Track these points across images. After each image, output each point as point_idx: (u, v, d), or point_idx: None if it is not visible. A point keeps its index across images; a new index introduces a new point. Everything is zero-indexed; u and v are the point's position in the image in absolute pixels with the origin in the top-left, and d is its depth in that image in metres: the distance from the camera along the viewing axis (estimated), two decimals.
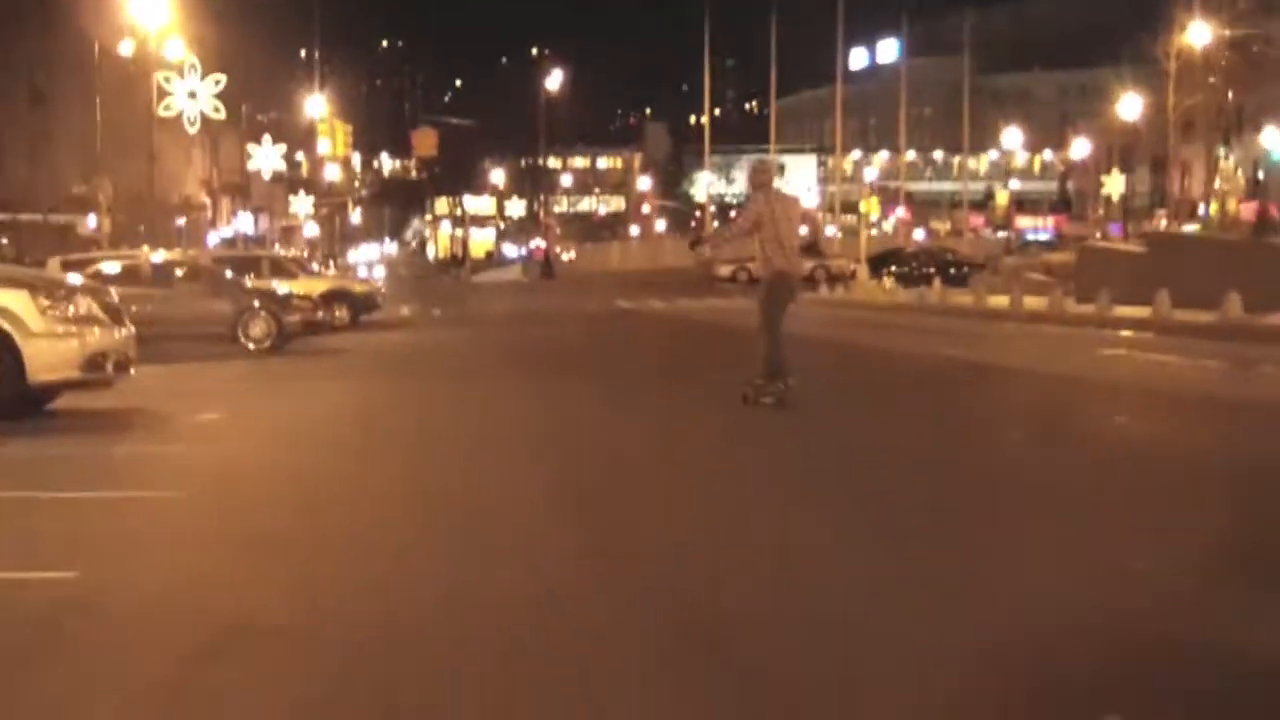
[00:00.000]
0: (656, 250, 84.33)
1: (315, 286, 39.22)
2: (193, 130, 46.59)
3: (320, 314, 30.11)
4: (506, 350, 29.46)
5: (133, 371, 16.21)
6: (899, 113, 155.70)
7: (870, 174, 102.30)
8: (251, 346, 28.41)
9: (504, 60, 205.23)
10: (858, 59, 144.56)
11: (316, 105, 68.66)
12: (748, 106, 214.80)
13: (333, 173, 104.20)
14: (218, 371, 24.27)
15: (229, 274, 31.26)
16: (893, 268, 57.18)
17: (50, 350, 14.65)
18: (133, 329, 16.26)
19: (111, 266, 29.42)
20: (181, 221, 68.39)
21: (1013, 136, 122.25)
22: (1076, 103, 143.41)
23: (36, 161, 59.71)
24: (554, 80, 79.79)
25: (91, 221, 58.24)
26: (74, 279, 18.31)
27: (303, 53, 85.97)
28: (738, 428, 14.24)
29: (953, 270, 56.02)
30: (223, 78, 46.51)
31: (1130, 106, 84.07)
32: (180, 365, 24.06)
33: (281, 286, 32.79)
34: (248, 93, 72.62)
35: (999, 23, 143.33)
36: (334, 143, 66.06)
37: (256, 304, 28.92)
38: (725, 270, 68.06)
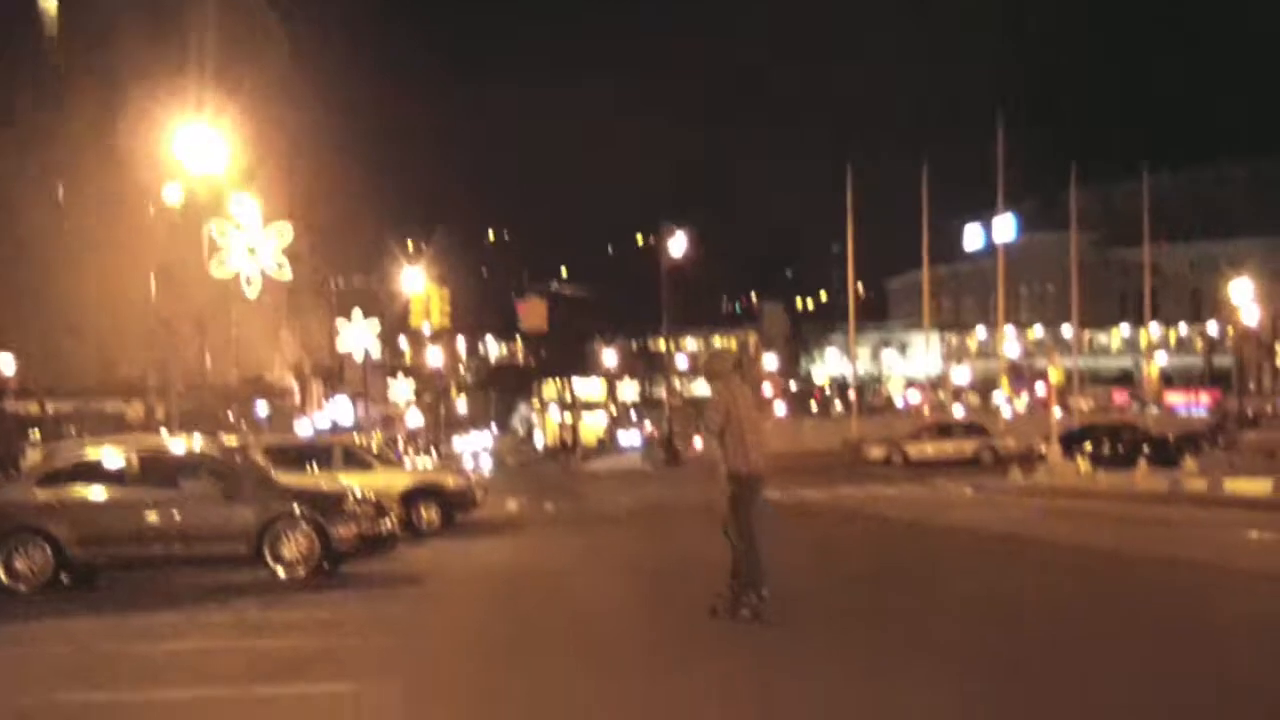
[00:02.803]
0: (796, 432, 74.35)
1: (395, 482, 29.84)
2: (250, 292, 37.20)
3: (387, 524, 19.91)
4: (655, 574, 19.39)
5: None
6: (1018, 289, 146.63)
7: (1012, 351, 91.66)
8: (281, 574, 18.59)
9: (609, 248, 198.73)
10: (974, 238, 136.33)
11: (414, 279, 59.43)
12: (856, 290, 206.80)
13: (435, 357, 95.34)
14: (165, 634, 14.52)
15: (262, 468, 21.30)
16: (1087, 446, 46.55)
17: None
18: None
19: (99, 455, 19.93)
20: (264, 411, 58.95)
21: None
22: (1208, 275, 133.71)
23: (83, 336, 50.68)
24: (678, 246, 70.35)
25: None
26: None
27: (409, 241, 77.87)
28: None
29: (1156, 447, 45.27)
30: (288, 227, 37.27)
31: None
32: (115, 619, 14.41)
33: (342, 483, 22.81)
34: (339, 267, 63.55)
35: (1120, 196, 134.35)
36: (430, 311, 56.31)
37: (294, 510, 18.92)
38: (878, 452, 57.94)
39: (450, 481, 31.15)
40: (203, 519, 19.02)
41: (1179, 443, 47.76)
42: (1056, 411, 46.44)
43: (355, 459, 30.47)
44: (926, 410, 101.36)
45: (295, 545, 18.95)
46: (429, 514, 29.94)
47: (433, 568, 20.80)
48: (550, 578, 19.86)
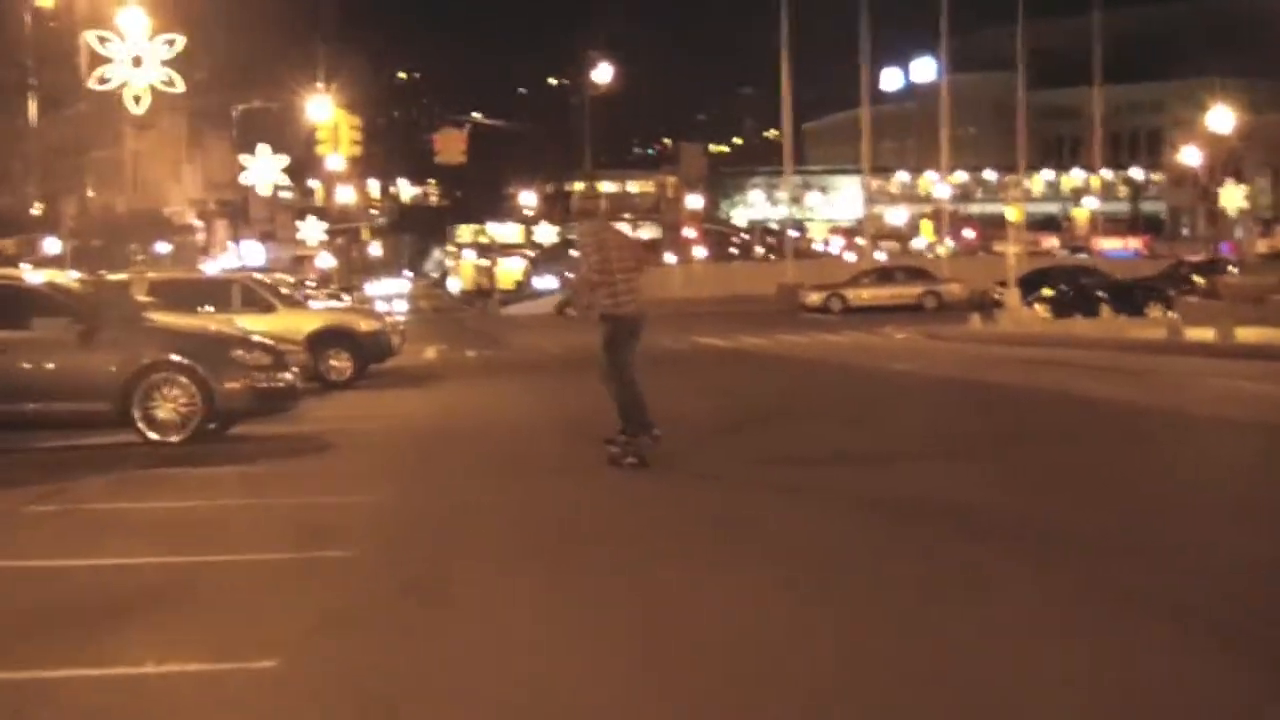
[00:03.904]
0: (726, 275, 70.72)
1: (301, 325, 25.86)
2: (138, 110, 32.55)
3: (287, 376, 15.95)
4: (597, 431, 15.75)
5: None
6: (940, 133, 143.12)
7: (943, 191, 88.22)
8: (152, 435, 14.59)
9: (521, 90, 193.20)
10: (892, 79, 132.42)
11: (321, 107, 54.60)
12: (767, 134, 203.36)
13: (346, 195, 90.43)
14: None
15: (131, 306, 17.33)
16: (1044, 291, 43.09)
17: None
18: None
19: None
20: (165, 247, 54.36)
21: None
22: (1130, 119, 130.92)
23: None
24: (603, 74, 65.69)
25: (52, 246, 44.33)
26: None
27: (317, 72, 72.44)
28: None
29: (1118, 293, 41.90)
30: (179, 39, 32.61)
31: (1222, 119, 71.32)
32: None
33: (235, 327, 18.89)
34: (241, 94, 58.58)
35: (1043, 38, 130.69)
36: (340, 139, 51.68)
37: (171, 359, 14.98)
38: (815, 298, 54.40)
39: (363, 325, 27.16)
40: (51, 369, 15.08)
41: (1141, 289, 44.45)
42: (1011, 253, 42.89)
43: (255, 299, 26.46)
44: (852, 256, 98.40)
45: (171, 402, 15.07)
46: (339, 362, 26.11)
47: (342, 429, 16.97)
48: (490, 436, 16.14)
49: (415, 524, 10.37)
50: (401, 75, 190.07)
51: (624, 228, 13.26)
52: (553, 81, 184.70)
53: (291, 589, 8.09)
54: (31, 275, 18.39)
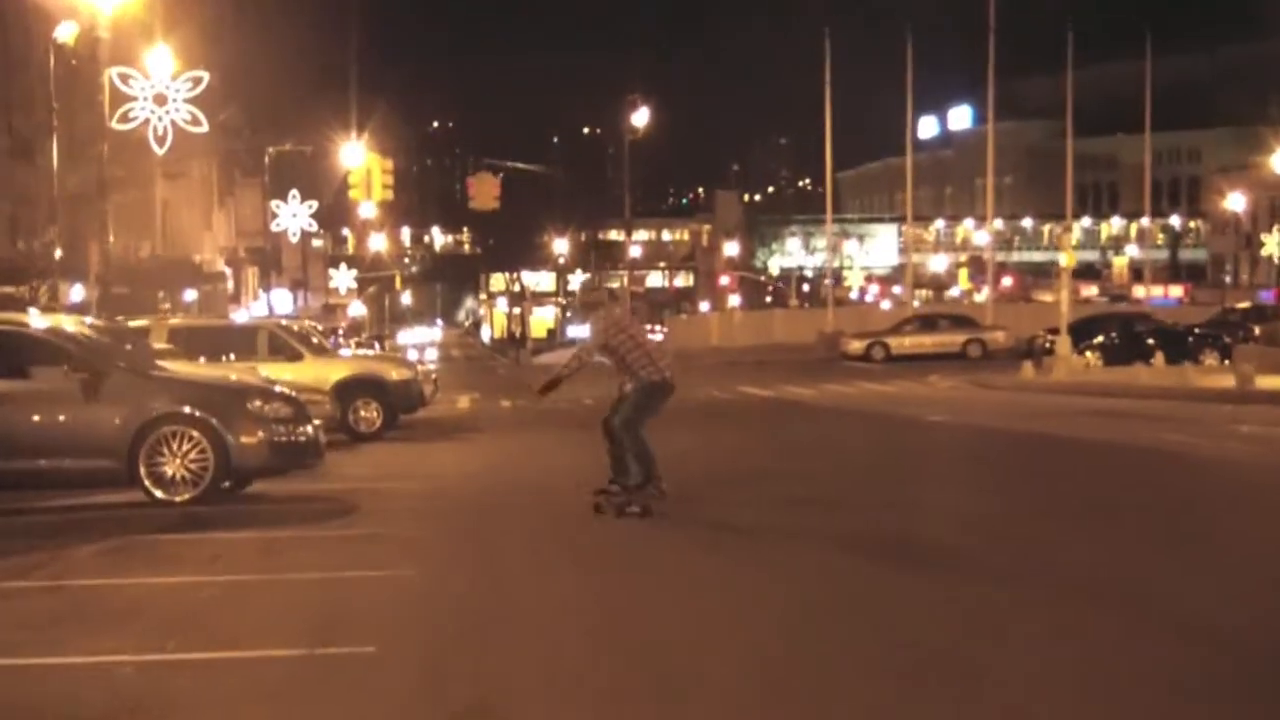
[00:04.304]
0: (764, 323, 68.73)
1: (329, 374, 24.38)
2: (160, 151, 31.24)
3: (309, 429, 14.38)
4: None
5: None
6: (976, 180, 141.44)
7: (981, 239, 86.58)
8: (160, 495, 13.12)
9: (555, 140, 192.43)
10: (927, 127, 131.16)
11: (354, 153, 53.30)
12: (802, 183, 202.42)
13: (379, 243, 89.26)
14: None
15: (141, 355, 15.89)
16: (1098, 339, 41.34)
17: None
18: None
19: None
20: (191, 295, 53.03)
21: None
22: (1168, 167, 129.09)
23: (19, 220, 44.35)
24: (641, 117, 64.25)
25: (77, 293, 42.97)
26: None
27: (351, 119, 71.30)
28: None
29: (1169, 341, 40.12)
30: (204, 75, 31.25)
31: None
32: None
33: (255, 376, 17.45)
34: (273, 139, 57.31)
35: (1076, 87, 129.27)
36: (372, 185, 50.30)
37: (182, 411, 13.48)
38: (857, 346, 52.66)
39: (393, 374, 25.60)
40: (51, 422, 13.59)
41: (1195, 336, 42.67)
42: (1064, 301, 41.13)
43: (281, 347, 25.00)
44: (886, 303, 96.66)
45: (180, 458, 13.56)
46: (368, 412, 24.58)
47: (370, 487, 15.43)
48: (522, 502, 14.53)
49: (452, 611, 8.76)
50: (435, 124, 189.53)
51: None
52: (586, 131, 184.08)
53: (298, 702, 6.51)
54: (36, 320, 16.92)
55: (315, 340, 26.92)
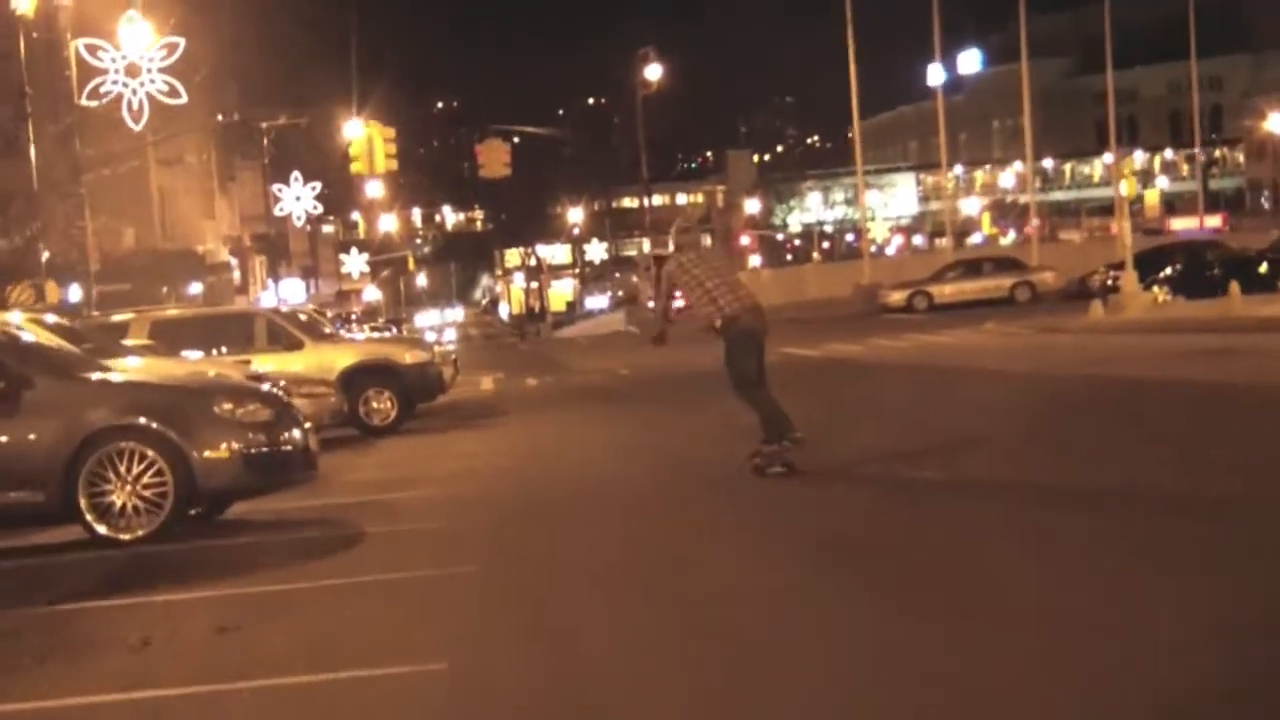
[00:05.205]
0: (795, 280, 65.39)
1: (334, 361, 21.31)
2: (137, 127, 27.96)
3: (295, 434, 11.09)
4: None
5: None
6: (992, 123, 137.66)
7: (1006, 181, 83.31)
8: (104, 531, 9.85)
9: (561, 112, 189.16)
10: (935, 75, 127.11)
11: (355, 128, 49.92)
12: (810, 140, 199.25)
13: (389, 224, 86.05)
14: None
15: (71, 355, 12.69)
16: (1165, 271, 37.93)
17: None
18: None
19: None
20: (196, 288, 49.87)
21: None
22: (1187, 97, 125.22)
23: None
24: (653, 72, 61.02)
25: (74, 292, 39.82)
26: None
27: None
28: None
29: (1241, 269, 36.67)
30: (179, 42, 27.93)
31: None
32: None
33: (234, 372, 14.24)
34: (270, 117, 53.97)
35: (1087, 23, 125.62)
36: (374, 155, 46.90)
37: (133, 423, 10.20)
38: (897, 297, 49.38)
39: (407, 357, 22.35)
40: None
41: (1271, 263, 39.15)
42: (1127, 233, 37.71)
43: (279, 335, 21.81)
44: (908, 253, 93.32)
45: (130, 483, 10.35)
46: (380, 403, 21.48)
47: (382, 499, 12.23)
48: (578, 512, 11.28)
49: None
50: (439, 104, 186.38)
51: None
52: (592, 101, 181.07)
53: None
54: None
55: (319, 326, 23.81)
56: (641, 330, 57.90)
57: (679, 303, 12.91)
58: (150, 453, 10.41)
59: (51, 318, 18.50)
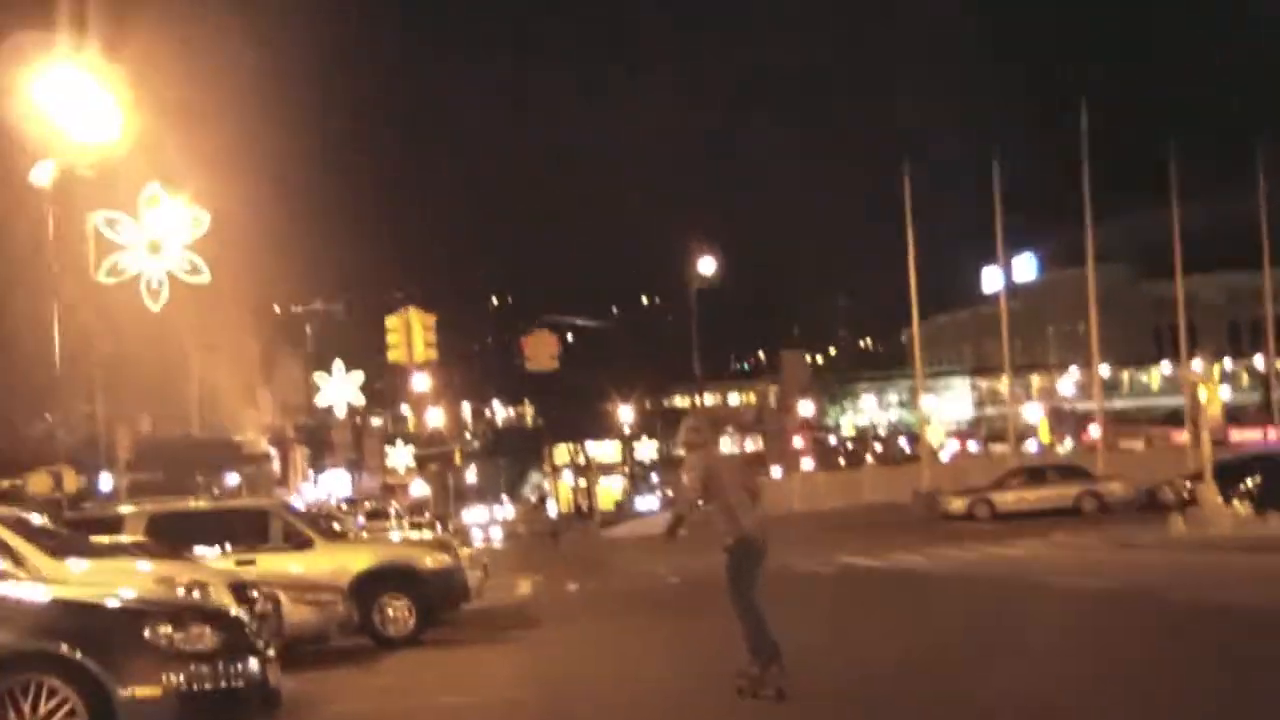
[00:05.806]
0: (851, 483, 63.19)
1: (345, 562, 19.20)
2: (155, 307, 26.22)
3: (247, 665, 8.82)
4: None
5: None
6: (1048, 329, 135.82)
7: (1064, 387, 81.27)
8: None
9: (614, 310, 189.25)
10: (993, 279, 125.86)
11: (393, 314, 48.48)
12: (862, 343, 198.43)
13: (436, 418, 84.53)
14: None
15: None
16: (1246, 484, 35.45)
17: None
18: None
19: None
20: (234, 478, 48.06)
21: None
22: (1249, 307, 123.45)
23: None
24: (707, 265, 59.88)
25: (105, 483, 37.90)
26: None
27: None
28: None
29: None
30: (204, 215, 26.31)
31: None
32: None
33: (233, 573, 12.07)
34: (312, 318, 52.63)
35: (1146, 230, 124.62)
36: (413, 340, 45.25)
37: (47, 646, 7.89)
38: (958, 504, 46.93)
39: (428, 561, 20.06)
40: None
41: None
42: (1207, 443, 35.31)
43: (288, 532, 19.62)
44: (964, 458, 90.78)
45: None
46: (396, 610, 19.15)
47: None
48: None
49: None
50: (494, 301, 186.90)
51: (730, 450, 8.27)
52: (645, 300, 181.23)
53: None
54: None
55: (325, 522, 21.73)
56: (687, 531, 55.42)
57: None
58: (60, 685, 8.19)
59: (36, 517, 16.43)
